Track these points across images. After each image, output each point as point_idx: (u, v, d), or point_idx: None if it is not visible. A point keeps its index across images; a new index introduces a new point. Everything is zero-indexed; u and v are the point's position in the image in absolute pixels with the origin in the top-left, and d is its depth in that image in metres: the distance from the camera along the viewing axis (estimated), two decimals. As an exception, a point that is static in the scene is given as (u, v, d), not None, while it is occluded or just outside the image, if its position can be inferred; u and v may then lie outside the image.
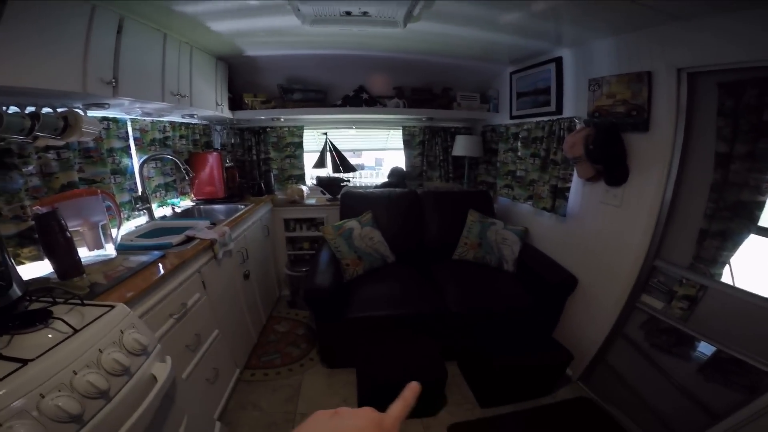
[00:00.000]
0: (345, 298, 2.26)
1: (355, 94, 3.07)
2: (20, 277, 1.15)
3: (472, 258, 2.75)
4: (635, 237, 1.94)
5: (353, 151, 3.56)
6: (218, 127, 3.08)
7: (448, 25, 2.07)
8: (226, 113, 2.71)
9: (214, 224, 2.12)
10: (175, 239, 1.82)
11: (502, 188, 3.07)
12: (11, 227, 1.47)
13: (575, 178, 2.33)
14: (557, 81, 2.50)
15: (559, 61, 2.45)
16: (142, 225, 2.14)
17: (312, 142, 3.40)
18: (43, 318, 1.04)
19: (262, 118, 2.99)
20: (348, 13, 1.84)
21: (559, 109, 2.50)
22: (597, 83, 2.15)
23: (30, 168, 1.56)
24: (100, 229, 1.62)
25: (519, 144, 2.83)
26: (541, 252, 2.61)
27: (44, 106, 1.47)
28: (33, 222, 1.36)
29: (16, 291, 1.09)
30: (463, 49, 2.55)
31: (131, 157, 2.16)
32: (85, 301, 1.17)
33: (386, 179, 3.41)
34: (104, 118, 1.95)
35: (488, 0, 1.72)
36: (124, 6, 1.55)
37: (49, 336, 0.99)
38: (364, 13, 1.86)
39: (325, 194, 3.19)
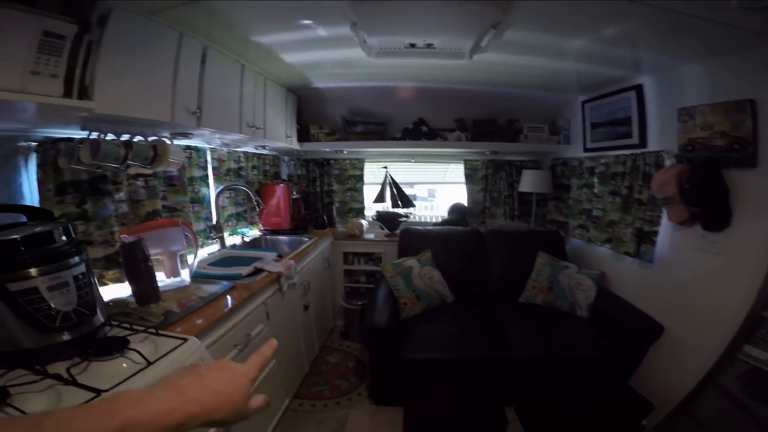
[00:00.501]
0: (401, 337, 2.16)
1: (414, 127, 3.07)
2: (104, 303, 1.18)
3: (541, 302, 2.53)
4: (739, 286, 1.68)
5: (410, 183, 3.51)
6: (286, 158, 3.20)
7: (514, 55, 2.02)
8: (295, 145, 2.83)
9: (280, 256, 2.15)
10: (245, 270, 1.85)
11: (575, 228, 2.82)
12: (100, 251, 1.57)
13: (665, 220, 2.09)
14: (639, 110, 2.30)
15: (639, 89, 2.27)
16: (214, 253, 2.22)
17: (371, 174, 3.41)
18: (120, 347, 1.04)
19: (327, 150, 3.07)
20: (412, 45, 1.84)
21: (643, 142, 2.29)
22: (688, 113, 1.94)
23: (121, 195, 1.68)
24: (178, 258, 1.67)
25: (595, 180, 2.61)
26: (621, 298, 2.37)
27: (137, 135, 1.58)
28: (120, 248, 1.42)
29: (99, 318, 1.11)
30: (529, 79, 2.48)
31: (209, 187, 2.27)
32: (159, 331, 1.17)
33: (446, 215, 3.30)
34: (187, 147, 2.09)
35: (562, 27, 1.65)
36: (207, 34, 1.66)
37: (124, 365, 0.99)
38: (429, 45, 1.85)
39: (383, 229, 3.14)
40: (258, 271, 1.91)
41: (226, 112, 1.92)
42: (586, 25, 1.62)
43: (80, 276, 1.04)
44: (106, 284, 1.58)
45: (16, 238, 0.93)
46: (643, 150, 2.24)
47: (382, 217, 3.13)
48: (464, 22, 1.66)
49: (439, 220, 3.49)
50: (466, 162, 3.31)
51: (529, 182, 3.02)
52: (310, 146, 2.96)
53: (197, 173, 2.17)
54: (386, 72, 2.45)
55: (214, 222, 2.30)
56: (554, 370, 2.04)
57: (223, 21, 1.55)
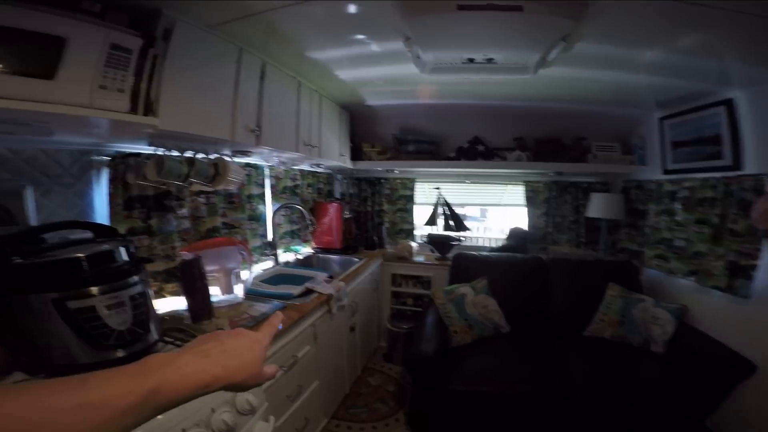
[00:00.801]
0: (448, 366, 2.00)
1: (470, 146, 2.95)
2: (158, 319, 1.18)
3: (609, 336, 2.29)
4: None
5: (462, 205, 3.36)
6: (339, 176, 3.22)
7: (582, 69, 1.87)
8: (348, 163, 2.83)
9: (331, 277, 2.12)
10: (296, 290, 1.82)
11: (652, 259, 2.51)
12: (161, 265, 1.62)
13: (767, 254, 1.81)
14: (731, 128, 2.01)
15: (729, 104, 2.00)
16: (268, 269, 2.24)
17: (423, 195, 3.33)
18: None
19: (378, 169, 3.04)
20: (471, 61, 1.75)
21: (737, 164, 2.00)
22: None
23: (183, 211, 1.74)
24: (233, 275, 1.68)
25: (678, 206, 2.31)
26: (704, 333, 2.09)
27: (199, 152, 1.63)
28: (179, 265, 1.45)
29: (153, 336, 1.11)
30: (599, 93, 2.30)
31: (265, 204, 2.31)
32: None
33: (499, 237, 3.10)
34: (247, 164, 2.14)
35: (638, 37, 1.49)
36: (264, 50, 1.68)
37: None
38: (489, 60, 1.75)
39: (434, 252, 3.02)
40: (309, 291, 1.87)
41: (284, 130, 1.94)
42: (663, 35, 1.46)
43: (137, 296, 1.04)
44: (164, 297, 1.61)
45: (80, 257, 0.95)
46: (738, 173, 1.96)
47: (434, 240, 3.00)
48: (531, 36, 1.55)
49: (492, 242, 3.30)
50: (526, 183, 3.11)
51: (598, 207, 2.75)
52: (362, 165, 2.95)
53: (255, 191, 2.23)
54: (440, 89, 2.39)
55: (269, 239, 2.32)
56: (622, 409, 1.82)
57: (280, 36, 1.56)
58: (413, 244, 3.04)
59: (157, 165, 1.40)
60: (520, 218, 3.20)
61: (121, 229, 1.46)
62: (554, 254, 2.89)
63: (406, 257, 2.93)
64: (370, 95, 2.55)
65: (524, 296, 2.50)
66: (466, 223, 3.19)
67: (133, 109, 1.14)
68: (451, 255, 2.86)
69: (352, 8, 1.35)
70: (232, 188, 1.76)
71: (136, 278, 1.05)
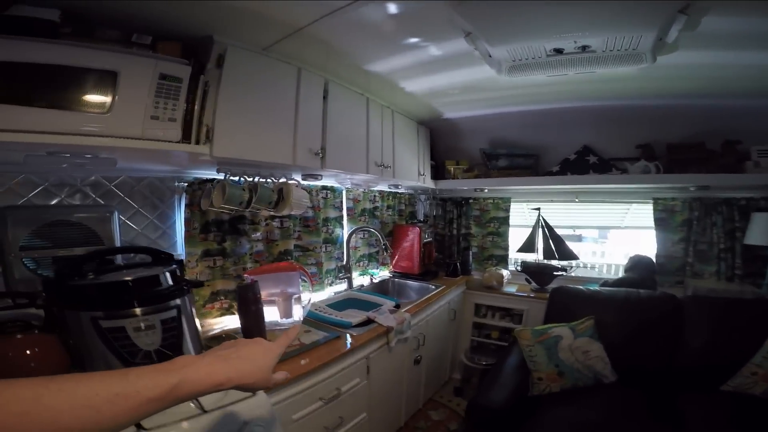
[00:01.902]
0: (522, 418, 1.62)
1: (578, 157, 2.46)
2: (198, 341, 1.22)
3: (761, 393, 1.59)
4: None
5: (572, 227, 2.82)
6: (422, 197, 3.07)
7: (721, 51, 1.42)
8: (428, 183, 2.66)
9: (398, 306, 2.00)
10: (356, 320, 1.74)
11: None
12: (232, 284, 1.71)
13: None
14: None
15: None
16: (340, 292, 2.23)
17: (519, 215, 2.91)
18: None
19: (465, 188, 2.78)
20: (558, 51, 1.41)
21: None
22: None
23: (257, 234, 1.83)
24: (292, 300, 1.68)
25: None
26: None
27: (267, 177, 1.67)
28: (236, 288, 1.49)
29: (191, 352, 1.14)
30: (752, 83, 1.71)
31: (342, 227, 2.32)
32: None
33: (621, 267, 2.47)
34: (323, 188, 2.17)
35: None
36: (324, 67, 1.66)
37: (182, 408, 0.94)
38: (584, 48, 1.39)
39: (530, 283, 2.58)
40: (369, 321, 1.76)
41: (352, 150, 1.89)
42: None
43: (170, 320, 1.08)
44: (233, 314, 1.71)
45: (124, 281, 1.03)
46: None
47: (530, 269, 2.57)
48: (633, 11, 1.18)
49: (612, 272, 2.66)
50: (656, 202, 2.44)
51: (763, 230, 1.97)
52: (445, 184, 2.74)
53: (332, 214, 2.25)
54: (534, 92, 2.06)
55: (344, 262, 2.31)
56: None
57: (332, 49, 1.51)
58: (504, 272, 2.65)
59: (221, 191, 1.50)
60: (647, 242, 2.51)
61: (197, 251, 1.61)
62: (695, 290, 2.16)
63: (494, 287, 2.57)
64: (447, 107, 2.35)
65: (642, 341, 1.92)
66: (578, 246, 2.65)
67: (186, 138, 1.22)
68: (552, 287, 2.40)
69: (392, 8, 1.22)
70: (297, 212, 1.77)
71: (171, 303, 1.10)
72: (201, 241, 1.62)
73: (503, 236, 2.86)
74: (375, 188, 2.60)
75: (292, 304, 1.69)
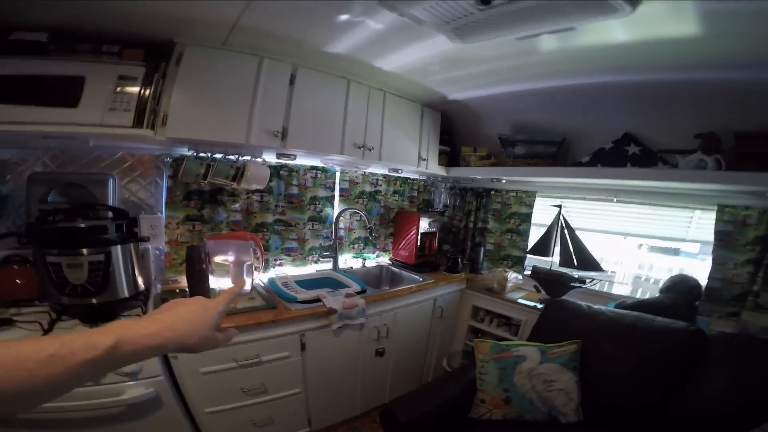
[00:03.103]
0: None
1: (615, 147, 2.00)
2: (137, 283, 1.48)
3: None
4: None
5: (624, 234, 2.31)
6: (442, 185, 2.88)
7: None
8: (434, 169, 2.49)
9: (363, 291, 1.99)
10: (303, 296, 1.82)
11: None
12: (209, 247, 1.97)
13: None
14: None
15: None
16: (323, 270, 2.32)
17: (547, 214, 2.50)
18: (110, 318, 1.37)
19: (478, 177, 2.51)
20: (485, 1, 1.14)
21: None
22: None
23: (236, 206, 2.05)
24: (244, 267, 1.85)
25: None
26: None
27: (234, 155, 1.87)
28: (186, 249, 1.72)
29: (119, 294, 1.43)
30: None
31: (333, 207, 2.39)
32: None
33: (659, 293, 1.93)
34: (312, 167, 2.27)
35: None
36: (290, 54, 1.73)
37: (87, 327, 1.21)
38: None
39: (539, 291, 2.22)
40: (318, 300, 1.82)
41: (324, 132, 1.92)
42: None
43: (96, 263, 1.36)
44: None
45: (74, 227, 1.35)
46: None
47: (540, 276, 2.21)
48: None
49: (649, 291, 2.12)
50: (722, 209, 1.82)
51: None
52: (457, 172, 2.52)
53: (322, 193, 2.34)
54: (539, 62, 1.70)
55: (330, 242, 2.39)
56: None
57: (278, 37, 1.57)
58: (512, 276, 2.33)
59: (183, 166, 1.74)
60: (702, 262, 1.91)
61: (180, 215, 1.90)
62: (744, 326, 1.58)
63: (493, 289, 2.29)
64: (444, 86, 2.13)
65: (638, 380, 1.51)
66: (671, 260, 2.16)
67: (139, 123, 1.48)
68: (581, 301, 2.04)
69: None
70: (257, 186, 1.91)
71: (103, 250, 1.37)
72: (183, 207, 1.91)
73: (523, 235, 2.51)
74: (379, 172, 2.56)
75: (244, 271, 1.85)
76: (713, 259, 1.85)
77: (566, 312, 1.85)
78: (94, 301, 1.38)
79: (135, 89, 1.45)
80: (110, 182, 1.71)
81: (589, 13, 1.19)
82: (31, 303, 1.41)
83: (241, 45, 1.62)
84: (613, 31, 1.33)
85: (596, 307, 1.82)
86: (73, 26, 1.41)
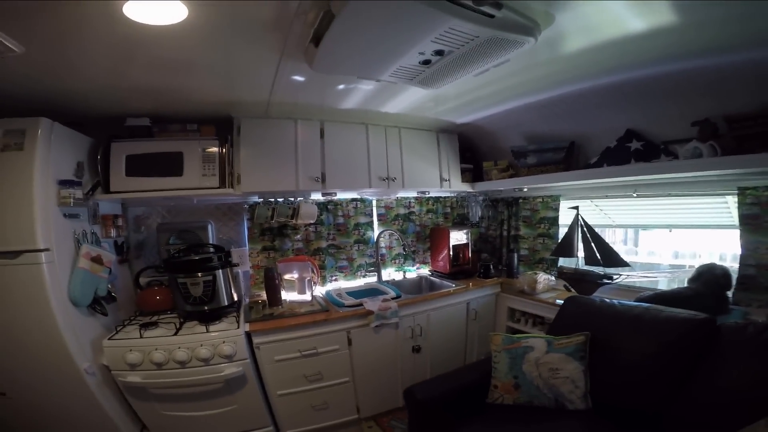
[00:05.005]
0: (454, 422, 1.67)
1: (618, 144, 2.08)
2: (230, 296, 2.11)
3: None
4: None
5: (637, 226, 2.29)
6: (478, 199, 3.11)
7: None
8: (458, 187, 2.77)
9: (398, 297, 2.37)
10: (350, 301, 2.28)
11: None
12: (280, 269, 2.58)
13: None
14: None
15: None
16: (370, 282, 2.76)
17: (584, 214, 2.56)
18: (217, 319, 1.99)
19: (501, 189, 2.72)
20: (427, 63, 1.47)
21: None
22: None
23: (298, 236, 2.64)
24: (306, 282, 2.39)
25: None
26: None
27: (300, 198, 2.48)
28: (264, 270, 2.33)
29: (222, 302, 2.06)
30: None
31: (374, 230, 2.85)
32: (242, 320, 2.00)
33: (688, 283, 1.90)
34: (352, 200, 2.77)
35: None
36: (318, 115, 2.26)
37: (204, 327, 1.88)
38: (440, 53, 1.40)
39: (570, 290, 2.31)
40: (360, 304, 2.25)
41: (353, 171, 2.40)
42: None
43: (207, 281, 2.00)
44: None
45: (193, 259, 2.04)
46: None
47: (567, 276, 2.30)
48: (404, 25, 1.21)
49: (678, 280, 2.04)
50: (743, 192, 1.77)
51: None
52: (481, 186, 2.76)
53: (363, 220, 2.82)
54: (525, 80, 1.88)
55: (374, 259, 2.83)
56: None
57: (303, 104, 2.11)
58: (543, 278, 2.44)
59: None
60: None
61: (258, 247, 2.56)
62: None
63: (525, 291, 2.44)
64: (447, 114, 2.44)
65: (645, 371, 1.56)
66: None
67: (222, 184, 2.15)
68: (598, 296, 2.14)
69: (299, 78, 1.74)
70: (310, 221, 2.47)
71: (209, 273, 2.01)
72: (260, 241, 2.56)
73: (554, 238, 2.60)
74: (408, 196, 2.93)
75: (305, 285, 2.39)
76: (742, 246, 1.79)
77: (581, 307, 1.96)
78: (206, 308, 2.01)
79: (215, 158, 2.09)
80: (209, 227, 2.43)
81: (503, 50, 1.39)
82: (165, 312, 2.11)
83: (278, 113, 2.19)
84: (591, 34, 1.41)
85: (609, 300, 1.89)
86: (164, 111, 2.06)
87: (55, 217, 1.64)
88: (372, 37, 1.28)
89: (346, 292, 2.52)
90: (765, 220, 1.71)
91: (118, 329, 1.87)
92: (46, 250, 1.57)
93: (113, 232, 2.10)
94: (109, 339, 1.77)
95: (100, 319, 1.88)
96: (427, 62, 1.49)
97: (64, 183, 1.70)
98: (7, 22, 1.13)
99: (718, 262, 2.01)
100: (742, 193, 1.78)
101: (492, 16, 1.19)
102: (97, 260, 1.82)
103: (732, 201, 1.95)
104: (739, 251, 1.81)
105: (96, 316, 1.86)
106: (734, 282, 1.80)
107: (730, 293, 1.80)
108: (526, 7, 1.21)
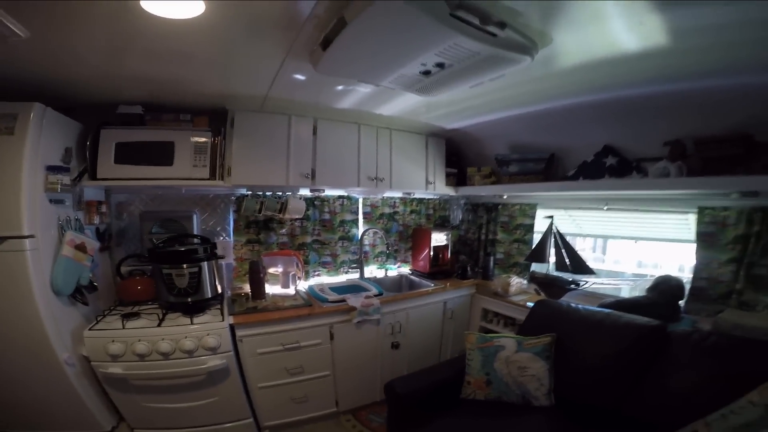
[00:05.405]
0: (430, 416, 1.77)
1: (595, 159, 2.21)
2: (215, 289, 2.12)
3: None
4: None
5: (604, 237, 2.46)
6: (459, 203, 3.23)
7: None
8: (442, 190, 2.87)
9: (380, 294, 2.44)
10: (333, 297, 2.32)
11: None
12: (264, 262, 2.60)
13: None
14: None
15: None
16: (352, 279, 2.83)
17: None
18: (201, 311, 1.99)
19: (482, 194, 2.84)
20: (426, 73, 1.53)
21: None
22: None
23: (283, 230, 2.67)
24: (289, 276, 2.43)
25: None
26: None
27: (288, 192, 2.49)
28: (249, 262, 2.35)
29: (206, 294, 2.08)
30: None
31: (358, 228, 2.91)
32: (226, 313, 2.02)
33: (646, 292, 2.08)
34: (339, 197, 2.82)
35: None
36: (312, 111, 2.28)
37: (188, 319, 1.89)
38: (441, 66, 1.45)
39: (539, 294, 2.47)
40: (343, 300, 2.32)
41: (343, 169, 2.44)
42: None
43: (192, 273, 2.01)
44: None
45: (178, 250, 2.04)
46: None
47: (538, 280, 2.45)
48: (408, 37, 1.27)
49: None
50: (702, 212, 1.95)
51: None
52: (464, 191, 2.87)
53: (349, 217, 2.88)
54: (517, 93, 1.97)
55: (356, 257, 2.89)
56: None
57: (299, 102, 2.12)
58: (516, 281, 2.59)
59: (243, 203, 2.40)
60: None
61: (242, 239, 2.56)
62: (716, 323, 1.68)
63: (498, 293, 2.58)
64: (439, 120, 2.51)
65: (600, 372, 1.72)
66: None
67: (213, 176, 2.14)
68: (565, 300, 2.29)
69: (300, 77, 1.76)
70: (297, 216, 2.51)
71: (195, 264, 2.01)
72: (245, 233, 2.57)
73: (528, 244, 2.75)
74: (394, 196, 3.01)
75: (289, 279, 2.43)
76: (697, 260, 1.97)
77: (549, 310, 2.10)
78: (190, 300, 2.01)
79: (207, 149, 2.08)
80: (194, 216, 2.41)
81: (500, 67, 1.47)
82: (146, 303, 2.09)
83: (273, 108, 2.20)
84: (585, 55, 1.48)
85: (574, 305, 2.04)
86: (158, 100, 2.05)
87: (41, 203, 1.62)
88: (379, 46, 1.33)
89: (329, 288, 2.57)
90: (719, 238, 1.89)
91: (99, 319, 1.86)
92: (31, 236, 1.55)
93: (96, 219, 2.06)
94: (90, 329, 1.75)
95: (81, 308, 1.87)
96: (427, 72, 1.55)
97: (52, 169, 1.67)
98: (16, 6, 1.11)
99: (678, 273, 2.22)
100: (701, 212, 1.95)
101: (495, 35, 1.26)
102: (80, 248, 1.79)
103: (692, 218, 2.13)
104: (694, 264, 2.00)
105: (76, 306, 1.84)
106: (687, 293, 1.98)
107: (682, 303, 1.97)
108: (527, 26, 1.28)
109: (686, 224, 2.19)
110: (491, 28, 1.23)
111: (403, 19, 1.13)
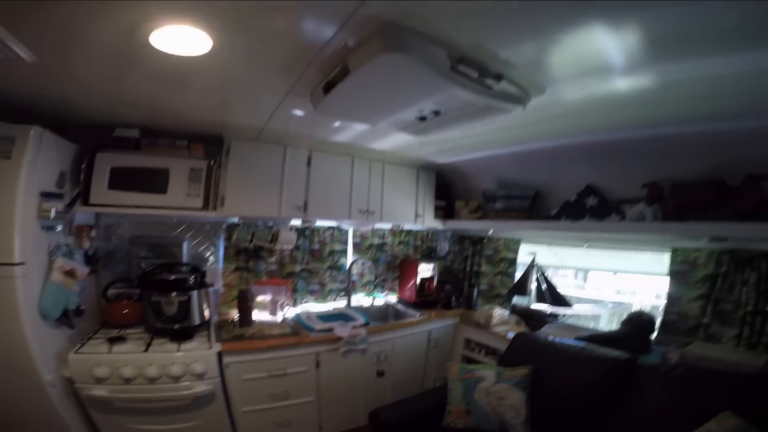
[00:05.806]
0: None
1: (577, 199, 2.32)
2: (202, 316, 2.13)
3: None
4: None
5: (585, 270, 2.58)
6: (446, 234, 3.33)
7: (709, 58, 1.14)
8: (430, 223, 2.96)
9: (367, 324, 2.46)
10: (320, 326, 2.33)
11: None
12: (254, 289, 2.63)
13: None
14: None
15: None
16: (338, 308, 2.86)
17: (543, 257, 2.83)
18: (188, 338, 1.98)
19: (468, 228, 2.95)
20: (422, 119, 1.62)
21: None
22: None
23: (272, 259, 2.71)
24: (278, 305, 2.46)
25: None
26: None
27: (269, 222, 2.54)
28: (237, 292, 2.38)
29: (194, 322, 2.08)
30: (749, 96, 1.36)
31: (347, 258, 2.98)
32: (213, 340, 2.02)
33: (621, 326, 2.17)
34: (329, 227, 2.89)
35: None
36: (306, 143, 2.33)
37: (175, 345, 1.89)
38: (436, 113, 1.55)
39: (520, 325, 2.54)
40: (330, 329, 2.34)
41: (334, 202, 2.50)
42: None
43: (181, 301, 2.02)
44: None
45: (168, 279, 2.06)
46: None
47: (519, 312, 2.54)
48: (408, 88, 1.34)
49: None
50: (675, 252, 2.08)
51: None
52: (451, 224, 2.97)
53: (338, 247, 2.94)
54: (508, 135, 2.06)
55: (345, 285, 2.94)
56: None
57: (293, 134, 2.18)
58: (498, 312, 2.66)
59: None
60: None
61: (232, 266, 2.59)
62: (683, 356, 1.78)
63: (480, 324, 2.64)
64: (432, 156, 2.62)
65: (573, 402, 1.78)
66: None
67: (206, 206, 2.17)
68: (544, 331, 2.36)
69: (299, 112, 1.83)
70: (287, 247, 2.57)
71: (184, 293, 2.04)
72: (234, 260, 2.61)
73: (511, 277, 2.85)
74: (385, 228, 3.09)
75: (277, 307, 2.46)
76: (668, 296, 2.09)
77: (527, 342, 2.17)
78: (176, 326, 2.01)
79: (202, 178, 2.12)
80: (185, 244, 2.44)
81: (493, 115, 1.56)
82: (133, 326, 2.07)
83: (270, 138, 2.24)
84: (574, 105, 1.57)
85: (551, 338, 2.12)
86: (156, 123, 2.05)
87: (33, 230, 1.62)
88: (379, 94, 1.40)
89: (316, 316, 2.58)
90: (690, 277, 2.02)
91: (84, 342, 1.85)
92: (22, 264, 1.54)
93: (87, 244, 2.07)
94: (75, 352, 1.74)
95: (66, 331, 1.86)
96: (423, 118, 1.63)
97: (46, 195, 1.68)
98: (26, 30, 1.10)
99: (654, 299, 2.32)
100: (674, 252, 2.08)
101: (490, 88, 1.34)
102: (70, 274, 1.80)
103: (667, 255, 2.26)
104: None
105: (62, 328, 1.84)
106: (658, 326, 2.09)
107: (653, 336, 2.07)
108: (521, 77, 1.36)
109: (661, 260, 2.32)
110: (488, 81, 1.30)
111: (406, 71, 1.18)
